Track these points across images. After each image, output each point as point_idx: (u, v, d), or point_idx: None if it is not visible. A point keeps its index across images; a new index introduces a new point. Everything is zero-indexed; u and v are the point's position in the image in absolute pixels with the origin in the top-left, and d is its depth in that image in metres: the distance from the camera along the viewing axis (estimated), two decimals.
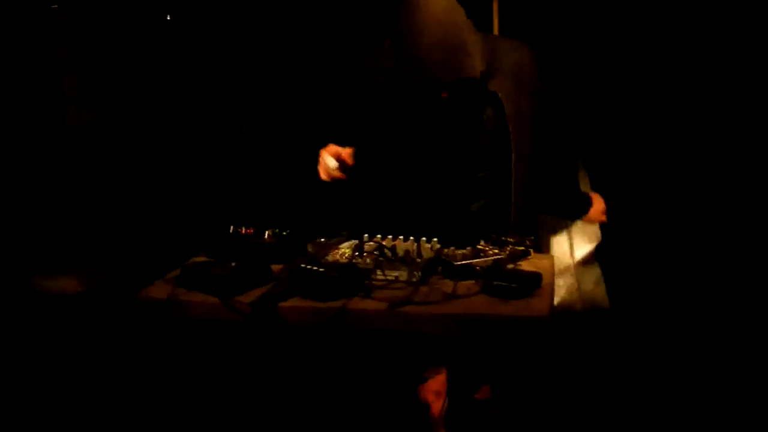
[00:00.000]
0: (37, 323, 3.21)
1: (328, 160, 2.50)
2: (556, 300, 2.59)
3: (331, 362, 2.22)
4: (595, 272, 2.96)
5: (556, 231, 2.92)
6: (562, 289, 2.86)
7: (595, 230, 2.92)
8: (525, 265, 2.30)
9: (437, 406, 2.54)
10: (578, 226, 2.90)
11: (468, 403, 2.50)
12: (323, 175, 2.54)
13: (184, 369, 2.28)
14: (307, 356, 2.18)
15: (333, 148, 2.51)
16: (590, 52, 3.50)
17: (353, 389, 2.41)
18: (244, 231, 2.41)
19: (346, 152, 2.49)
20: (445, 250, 2.26)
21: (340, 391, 2.39)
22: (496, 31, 3.51)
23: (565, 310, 2.86)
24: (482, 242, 2.32)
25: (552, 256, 2.39)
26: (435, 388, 2.55)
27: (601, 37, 3.48)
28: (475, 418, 2.49)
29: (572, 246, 2.92)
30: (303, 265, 2.13)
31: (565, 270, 2.88)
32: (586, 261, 2.92)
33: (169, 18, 3.88)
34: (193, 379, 2.31)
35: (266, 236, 2.37)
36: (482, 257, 2.21)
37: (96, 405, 2.97)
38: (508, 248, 2.32)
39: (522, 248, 2.36)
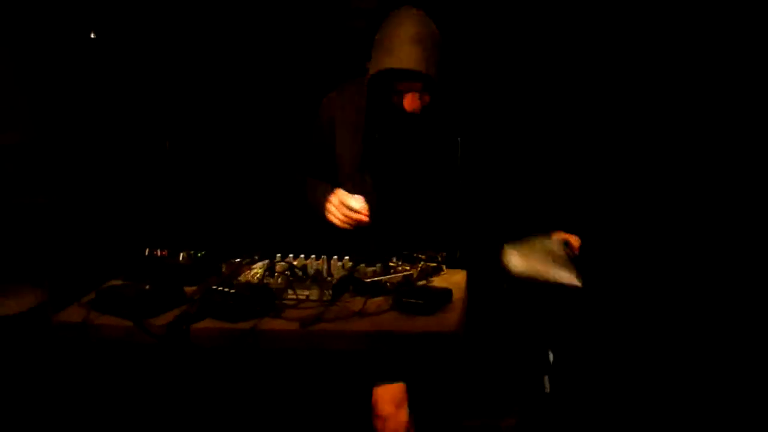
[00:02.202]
0: None
1: (352, 201, 2.51)
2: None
3: (244, 382, 2.23)
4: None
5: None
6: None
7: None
8: (437, 281, 2.35)
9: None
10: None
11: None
12: (339, 220, 2.55)
13: (99, 392, 2.27)
14: (221, 377, 2.19)
15: (342, 193, 2.54)
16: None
17: (272, 409, 2.43)
18: (159, 253, 2.41)
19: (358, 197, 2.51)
20: (357, 268, 2.29)
21: (256, 412, 2.41)
22: None
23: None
24: (393, 259, 2.36)
25: (464, 272, 2.44)
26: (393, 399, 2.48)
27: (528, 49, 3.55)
28: None
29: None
30: (215, 287, 2.15)
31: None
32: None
33: (93, 36, 3.85)
34: (109, 402, 2.30)
35: (181, 258, 2.38)
36: (392, 274, 2.26)
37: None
38: (420, 265, 2.37)
39: (434, 264, 2.41)
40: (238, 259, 2.38)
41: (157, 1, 3.67)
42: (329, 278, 2.22)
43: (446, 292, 2.20)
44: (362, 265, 2.30)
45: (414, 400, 2.34)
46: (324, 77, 3.45)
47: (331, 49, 3.60)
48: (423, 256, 2.40)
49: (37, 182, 3.53)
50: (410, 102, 2.51)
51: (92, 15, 3.75)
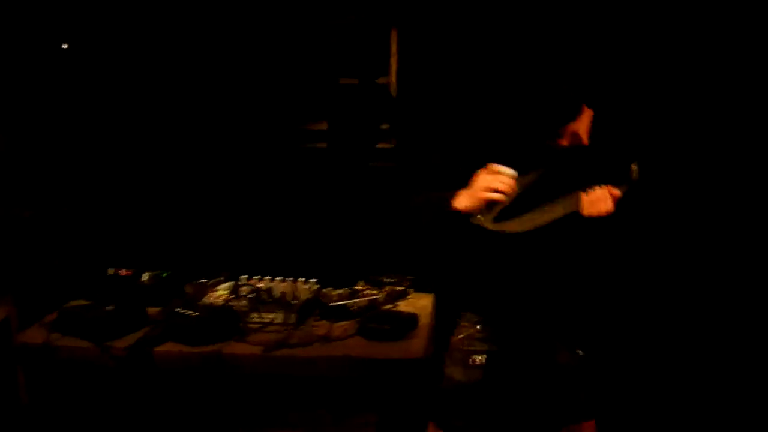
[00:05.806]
0: None
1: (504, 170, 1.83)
2: None
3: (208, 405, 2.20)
4: None
5: None
6: None
7: None
8: (403, 305, 2.34)
9: None
10: None
11: None
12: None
13: (63, 413, 2.23)
14: (184, 400, 2.16)
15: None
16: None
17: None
18: (123, 273, 2.38)
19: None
20: (323, 291, 2.28)
21: None
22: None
23: None
24: (361, 283, 2.36)
25: (431, 296, 2.43)
26: None
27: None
28: None
29: None
30: (178, 309, 2.13)
31: None
32: None
33: (65, 47, 3.82)
34: (73, 425, 2.26)
35: (145, 278, 2.35)
36: (358, 297, 2.25)
37: None
38: (386, 288, 2.36)
39: (401, 288, 2.40)
40: (204, 280, 2.36)
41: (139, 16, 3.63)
42: (294, 301, 2.20)
43: (412, 318, 2.19)
44: (328, 288, 2.29)
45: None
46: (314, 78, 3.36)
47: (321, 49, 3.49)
48: (390, 280, 2.39)
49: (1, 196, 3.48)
50: None
51: (67, 26, 3.70)
